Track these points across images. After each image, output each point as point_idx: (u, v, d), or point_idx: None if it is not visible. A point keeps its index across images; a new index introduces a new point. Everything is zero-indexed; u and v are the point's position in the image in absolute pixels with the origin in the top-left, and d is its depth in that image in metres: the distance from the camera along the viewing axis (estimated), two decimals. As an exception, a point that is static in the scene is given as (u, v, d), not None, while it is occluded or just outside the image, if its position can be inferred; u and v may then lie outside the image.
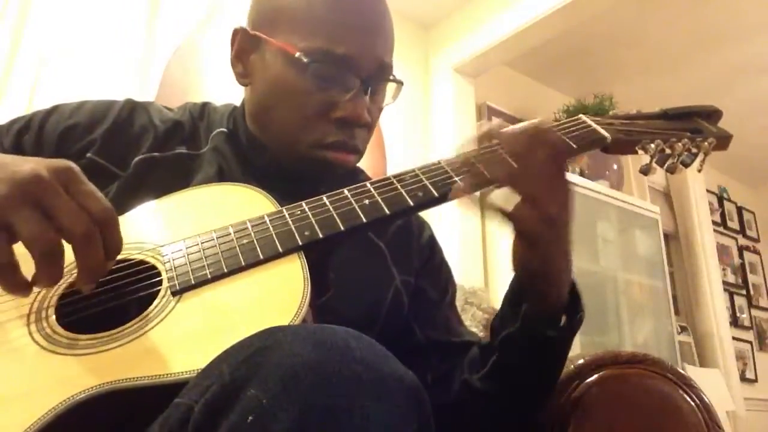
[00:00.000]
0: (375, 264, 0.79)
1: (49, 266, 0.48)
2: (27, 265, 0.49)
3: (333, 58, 0.71)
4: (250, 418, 0.38)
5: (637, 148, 0.71)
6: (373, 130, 0.80)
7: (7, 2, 1.80)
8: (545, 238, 0.61)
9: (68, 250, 0.50)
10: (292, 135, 0.75)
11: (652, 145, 0.71)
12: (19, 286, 0.50)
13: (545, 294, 0.65)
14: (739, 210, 4.57)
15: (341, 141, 0.74)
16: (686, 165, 0.72)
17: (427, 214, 0.92)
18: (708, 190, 4.14)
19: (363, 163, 0.85)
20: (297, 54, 0.72)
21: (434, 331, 0.80)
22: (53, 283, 0.50)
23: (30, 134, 0.76)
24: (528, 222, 0.60)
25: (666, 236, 3.51)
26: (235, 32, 0.80)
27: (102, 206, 0.52)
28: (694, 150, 0.73)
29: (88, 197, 0.51)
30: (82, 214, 0.50)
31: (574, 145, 0.68)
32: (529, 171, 0.61)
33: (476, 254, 2.68)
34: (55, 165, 0.52)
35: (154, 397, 0.47)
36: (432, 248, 0.87)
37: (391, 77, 0.78)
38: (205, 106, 0.86)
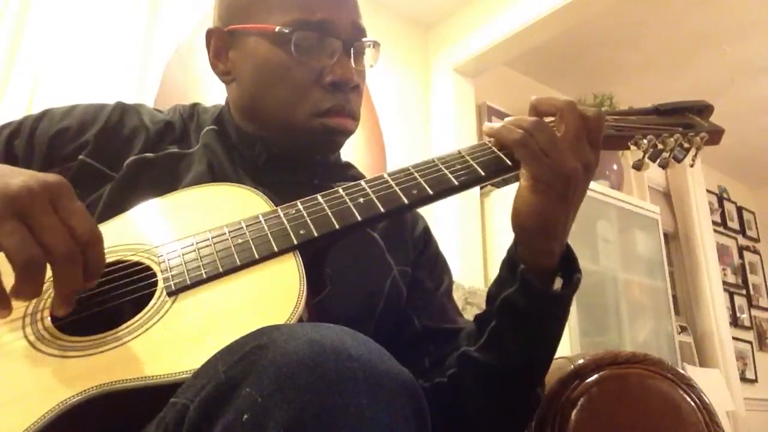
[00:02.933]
0: (371, 255, 0.79)
1: (27, 279, 0.48)
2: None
3: (311, 25, 0.75)
4: (245, 416, 0.38)
5: (629, 143, 0.72)
6: (362, 94, 0.82)
7: (7, 3, 1.80)
8: (559, 190, 0.62)
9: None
10: (288, 111, 0.76)
11: (645, 141, 0.71)
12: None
13: (543, 251, 0.65)
14: (739, 210, 4.57)
15: (337, 105, 0.76)
16: (678, 160, 0.73)
17: (427, 216, 0.92)
18: (708, 190, 4.14)
19: (363, 163, 0.85)
20: (277, 29, 0.74)
21: (430, 319, 0.81)
22: (32, 297, 0.50)
23: (21, 138, 0.76)
24: (566, 165, 0.62)
25: (666, 236, 3.51)
26: (209, 33, 0.82)
27: (88, 226, 0.52)
28: (686, 145, 0.73)
29: (75, 216, 0.51)
30: (67, 235, 0.50)
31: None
32: (571, 129, 0.63)
33: (476, 254, 2.68)
34: (47, 180, 0.52)
35: (151, 397, 0.47)
36: (427, 240, 0.88)
37: (366, 39, 0.80)
38: (194, 106, 0.87)
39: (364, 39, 0.80)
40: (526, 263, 0.66)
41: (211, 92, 1.94)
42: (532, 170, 0.63)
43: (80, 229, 0.51)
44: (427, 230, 0.89)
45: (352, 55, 0.77)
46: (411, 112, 2.84)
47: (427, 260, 0.86)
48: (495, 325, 0.69)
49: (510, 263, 0.68)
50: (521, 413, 0.73)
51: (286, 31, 0.74)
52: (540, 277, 0.65)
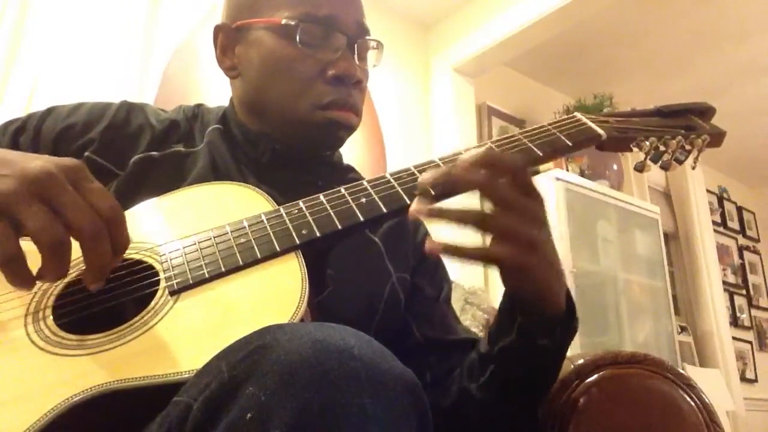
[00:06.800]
0: (372, 260, 0.79)
1: (55, 260, 0.49)
2: (32, 262, 0.50)
3: (317, 19, 0.76)
4: (248, 415, 0.38)
5: (632, 145, 0.72)
6: (365, 92, 0.82)
7: (7, 3, 1.80)
8: (531, 264, 0.58)
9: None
10: (291, 103, 0.77)
11: (647, 143, 0.71)
12: (25, 280, 0.50)
13: (540, 309, 0.63)
14: (739, 210, 4.57)
15: (340, 99, 0.76)
16: (680, 162, 0.73)
17: (426, 215, 0.91)
18: (708, 190, 4.15)
19: (363, 163, 0.85)
20: (283, 21, 0.75)
21: (431, 329, 0.80)
22: (58, 278, 0.50)
23: (26, 135, 0.76)
24: (510, 257, 0.57)
25: (666, 236, 3.52)
26: (217, 29, 0.83)
27: (110, 203, 0.52)
28: (688, 147, 0.73)
29: (96, 194, 0.52)
30: (91, 211, 0.50)
31: (539, 153, 0.66)
32: (499, 205, 0.58)
33: (476, 254, 2.67)
34: (64, 162, 0.52)
35: (153, 396, 0.47)
36: None
37: (370, 38, 0.81)
38: (198, 107, 0.87)
39: (368, 37, 0.80)
40: (523, 314, 0.63)
41: (212, 93, 1.94)
42: (499, 259, 0.58)
43: (103, 206, 0.51)
44: (428, 237, 0.88)
45: (356, 52, 0.78)
46: (411, 112, 2.84)
47: (428, 267, 0.85)
48: (495, 368, 0.67)
49: (508, 307, 0.65)
50: (524, 429, 0.73)
51: (292, 23, 0.75)
52: (538, 328, 0.63)
